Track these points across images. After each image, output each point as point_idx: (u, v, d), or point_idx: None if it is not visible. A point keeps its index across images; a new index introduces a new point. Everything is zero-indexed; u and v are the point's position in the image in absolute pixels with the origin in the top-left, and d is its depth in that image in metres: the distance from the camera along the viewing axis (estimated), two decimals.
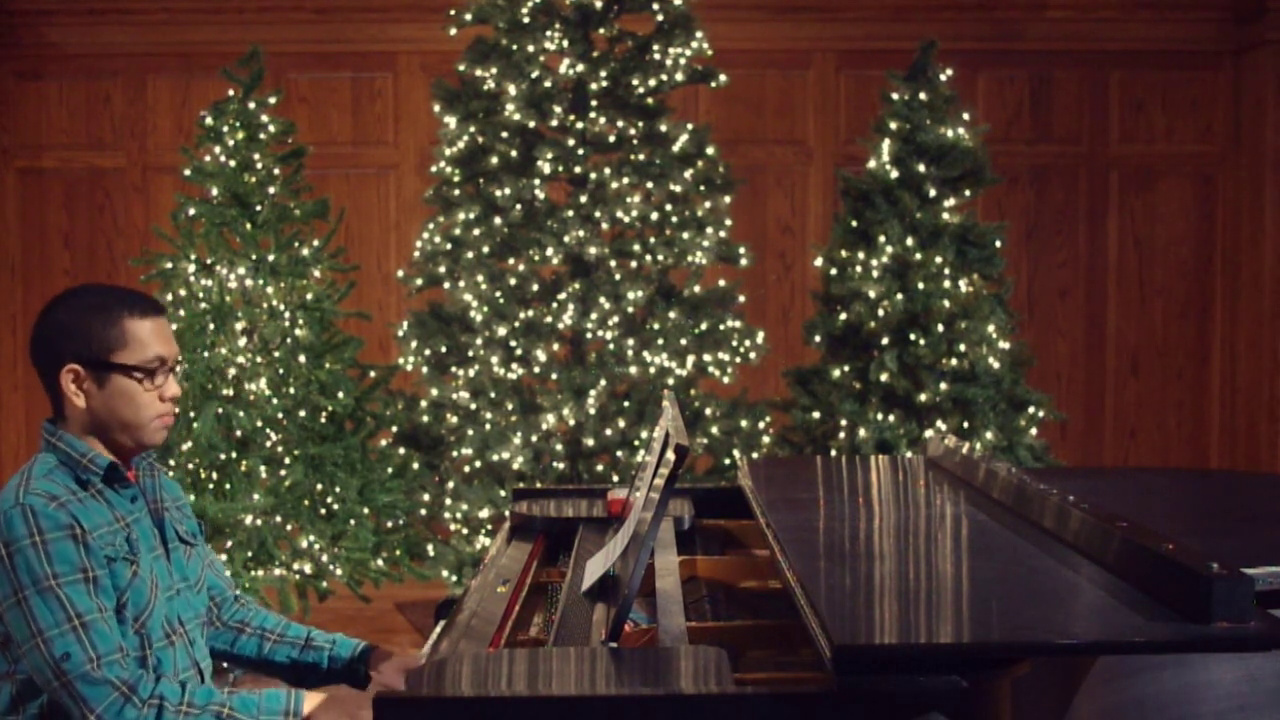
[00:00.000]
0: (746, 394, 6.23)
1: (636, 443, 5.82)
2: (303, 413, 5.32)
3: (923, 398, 5.73)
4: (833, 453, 5.85)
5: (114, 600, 2.13)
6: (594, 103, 5.96)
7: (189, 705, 2.08)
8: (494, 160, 5.94)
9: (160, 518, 2.31)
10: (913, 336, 5.75)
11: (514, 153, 5.93)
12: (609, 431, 5.81)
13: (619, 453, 5.86)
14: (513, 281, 5.94)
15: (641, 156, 5.96)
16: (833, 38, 7.50)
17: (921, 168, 5.83)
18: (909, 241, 5.77)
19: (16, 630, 2.07)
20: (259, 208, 5.41)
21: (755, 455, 5.90)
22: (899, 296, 5.72)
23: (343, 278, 5.66)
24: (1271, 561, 2.42)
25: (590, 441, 5.83)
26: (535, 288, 5.96)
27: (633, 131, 5.97)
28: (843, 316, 5.93)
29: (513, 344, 5.85)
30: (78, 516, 2.11)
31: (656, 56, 5.99)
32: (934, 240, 5.81)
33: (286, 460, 5.31)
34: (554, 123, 6.00)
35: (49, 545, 2.07)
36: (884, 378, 5.71)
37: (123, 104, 7.56)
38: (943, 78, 5.94)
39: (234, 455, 5.22)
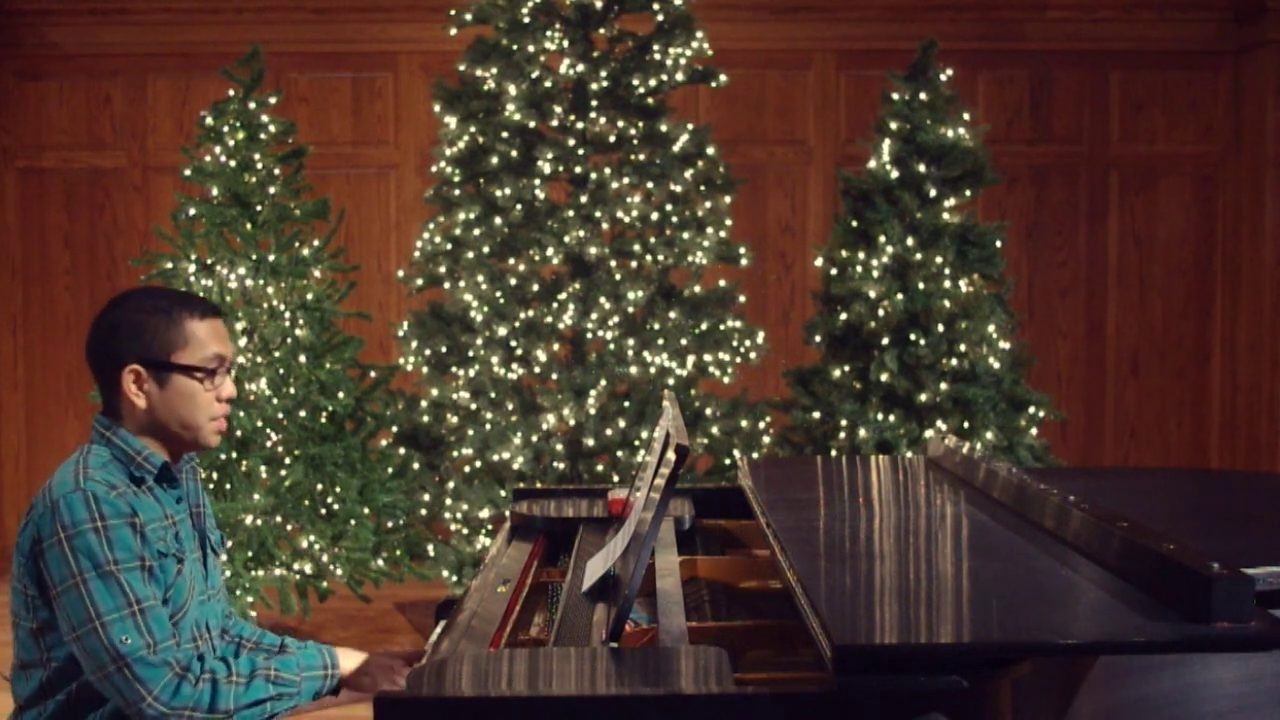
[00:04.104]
0: (746, 394, 6.22)
1: (636, 443, 5.81)
2: (303, 413, 5.32)
3: (923, 398, 5.73)
4: (833, 453, 5.85)
5: (162, 593, 2.16)
6: (594, 103, 5.96)
7: (237, 675, 2.14)
8: (494, 160, 5.94)
9: (201, 523, 2.35)
10: (913, 336, 5.74)
11: (514, 153, 5.93)
12: (609, 431, 5.80)
13: (619, 453, 5.86)
14: (513, 281, 5.93)
15: (642, 156, 5.96)
16: (833, 38, 7.50)
17: (922, 168, 5.83)
18: (909, 241, 5.77)
19: (73, 613, 2.09)
20: (259, 208, 5.41)
21: (755, 455, 5.90)
22: (899, 296, 5.72)
23: (343, 278, 5.66)
24: (1271, 561, 2.42)
25: (590, 441, 5.83)
26: (535, 288, 5.96)
27: (633, 131, 5.97)
28: (843, 316, 5.93)
29: (513, 344, 5.85)
30: (135, 507, 2.14)
31: (656, 56, 5.99)
32: (934, 240, 5.81)
33: (287, 460, 5.32)
34: (554, 123, 5.99)
35: (110, 531, 2.10)
36: (884, 378, 5.71)
37: (123, 104, 7.56)
38: (943, 78, 5.93)
39: (234, 455, 5.22)
